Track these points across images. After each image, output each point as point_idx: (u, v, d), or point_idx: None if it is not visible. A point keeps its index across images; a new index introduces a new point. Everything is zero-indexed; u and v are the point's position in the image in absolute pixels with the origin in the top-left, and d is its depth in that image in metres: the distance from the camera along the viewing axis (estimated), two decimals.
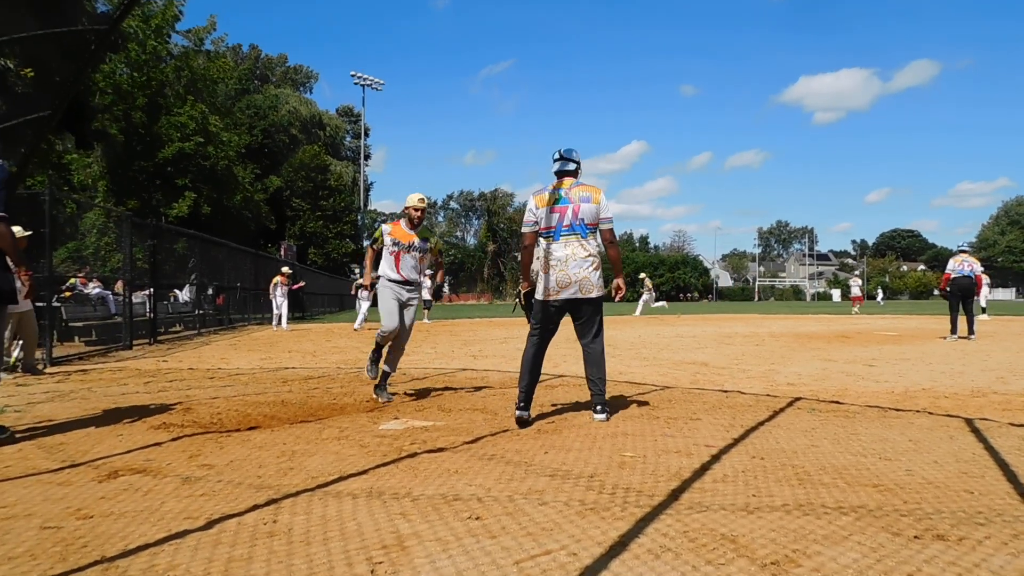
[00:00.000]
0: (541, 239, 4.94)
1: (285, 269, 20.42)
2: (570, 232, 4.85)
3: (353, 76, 59.05)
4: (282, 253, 34.48)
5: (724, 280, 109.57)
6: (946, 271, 13.58)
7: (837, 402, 5.66)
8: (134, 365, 9.43)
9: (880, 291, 60.21)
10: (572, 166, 5.04)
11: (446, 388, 6.75)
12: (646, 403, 5.68)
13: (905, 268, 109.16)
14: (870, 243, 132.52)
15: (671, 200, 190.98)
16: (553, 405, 5.63)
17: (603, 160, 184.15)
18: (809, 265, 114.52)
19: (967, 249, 13.74)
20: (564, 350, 11.36)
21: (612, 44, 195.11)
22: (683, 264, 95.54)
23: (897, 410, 5.26)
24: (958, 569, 2.19)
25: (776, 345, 12.26)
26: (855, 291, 32.30)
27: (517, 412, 4.85)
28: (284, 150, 52.04)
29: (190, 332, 16.77)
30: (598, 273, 4.93)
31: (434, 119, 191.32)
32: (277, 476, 3.42)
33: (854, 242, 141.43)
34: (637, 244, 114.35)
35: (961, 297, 13.22)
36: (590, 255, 4.88)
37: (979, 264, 13.63)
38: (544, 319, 4.97)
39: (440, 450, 4.00)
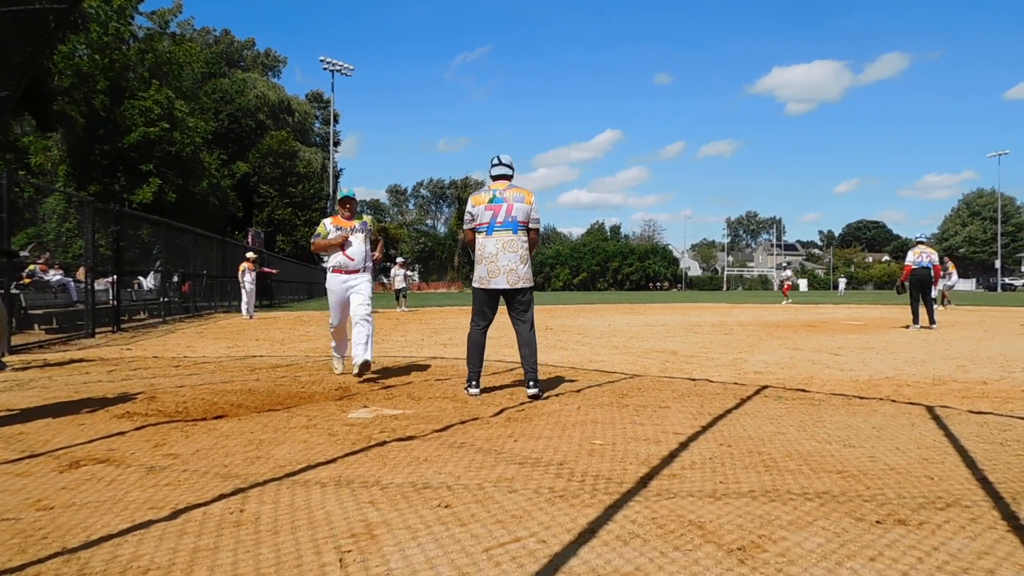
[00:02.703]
0: (477, 234, 5.49)
1: (250, 255, 20.12)
2: (503, 228, 5.40)
3: (322, 61, 58.26)
4: (249, 240, 34.02)
5: (694, 270, 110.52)
6: (907, 263, 13.83)
7: (803, 390, 5.75)
8: (97, 353, 9.25)
9: (842, 281, 61.27)
10: (508, 171, 5.60)
11: (416, 377, 6.72)
12: (616, 391, 5.71)
13: (870, 259, 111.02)
14: (837, 233, 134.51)
15: (643, 189, 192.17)
16: (523, 392, 5.63)
17: (576, 148, 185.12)
18: (777, 255, 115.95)
19: (924, 240, 14.00)
20: None
21: (587, 32, 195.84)
22: (653, 253, 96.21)
23: (861, 398, 5.36)
24: (918, 553, 2.23)
25: (744, 334, 12.41)
26: (784, 281, 33.04)
27: (469, 391, 5.46)
28: (252, 136, 51.24)
29: (155, 320, 16.48)
30: (526, 266, 5.46)
31: (407, 105, 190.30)
32: (244, 465, 3.38)
33: (821, 232, 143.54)
34: (608, 233, 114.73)
35: (920, 288, 13.53)
36: (519, 249, 5.42)
37: (936, 255, 13.89)
38: (480, 305, 5.55)
39: (410, 438, 3.98)
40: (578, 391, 5.71)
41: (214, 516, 2.61)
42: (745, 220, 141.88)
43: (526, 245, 5.47)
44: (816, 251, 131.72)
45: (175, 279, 18.76)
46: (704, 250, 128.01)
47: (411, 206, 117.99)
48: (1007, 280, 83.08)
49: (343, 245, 6.52)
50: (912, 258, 13.69)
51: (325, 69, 58.65)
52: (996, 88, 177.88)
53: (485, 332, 5.59)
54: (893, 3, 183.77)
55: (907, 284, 13.82)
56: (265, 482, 3.07)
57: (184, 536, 2.41)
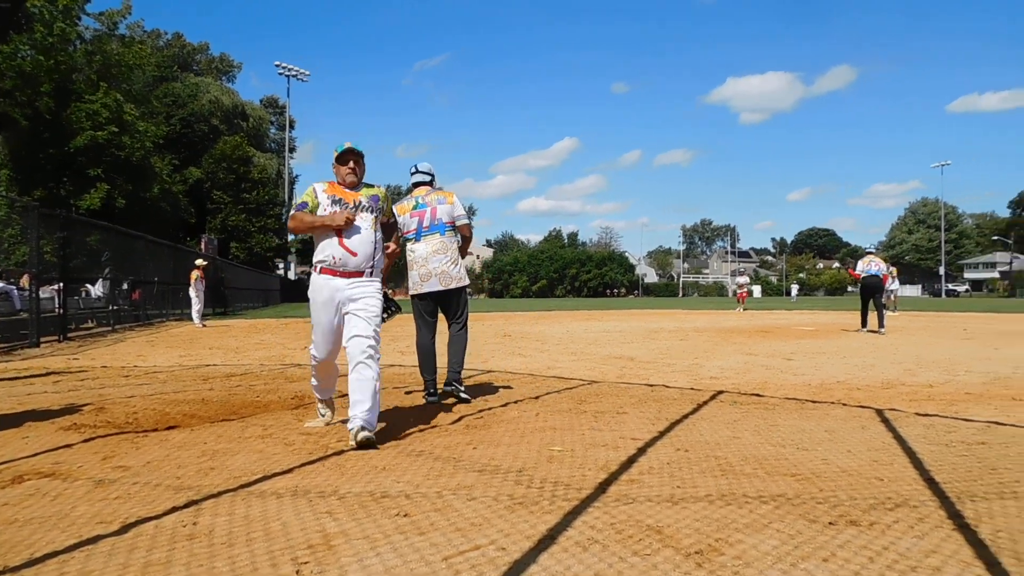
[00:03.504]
0: (407, 242, 5.53)
1: (199, 262, 19.75)
2: (430, 232, 5.45)
3: (278, 66, 57.71)
4: (202, 246, 33.40)
5: (650, 276, 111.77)
6: (856, 271, 14.65)
7: (758, 395, 5.84)
8: (42, 363, 8.97)
9: (794, 287, 62.61)
10: (427, 177, 5.67)
11: None
12: (574, 397, 5.74)
13: (821, 265, 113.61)
14: (789, 241, 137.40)
15: (600, 196, 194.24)
16: (482, 400, 5.62)
17: (534, 156, 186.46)
18: (731, 262, 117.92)
19: (873, 251, 15.14)
20: (492, 346, 11.39)
21: (546, 40, 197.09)
22: (610, 260, 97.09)
23: (814, 402, 5.47)
24: (869, 552, 2.28)
25: (700, 340, 12.58)
26: (739, 288, 33.18)
27: (427, 399, 5.48)
28: (205, 141, 50.38)
29: (104, 328, 16.04)
30: (457, 267, 5.49)
31: (365, 112, 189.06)
32: (198, 476, 3.30)
33: (774, 240, 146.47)
34: (566, 241, 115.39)
35: (870, 294, 14.29)
36: (449, 251, 5.46)
37: (884, 264, 14.99)
38: (418, 311, 5.63)
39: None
40: (537, 398, 5.72)
41: (166, 529, 2.55)
42: (700, 228, 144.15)
43: (455, 245, 5.52)
44: (769, 258, 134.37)
45: (125, 286, 18.30)
46: (660, 257, 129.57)
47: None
48: (950, 286, 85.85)
49: (341, 228, 4.15)
50: (861, 267, 14.47)
51: (281, 74, 58.23)
52: (939, 101, 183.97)
53: (433, 338, 5.63)
54: (842, 17, 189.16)
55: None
56: (219, 493, 3.01)
57: (135, 551, 2.34)
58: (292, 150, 64.30)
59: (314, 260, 4.25)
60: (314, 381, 4.63)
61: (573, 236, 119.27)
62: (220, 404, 5.52)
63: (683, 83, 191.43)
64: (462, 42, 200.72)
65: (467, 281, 5.60)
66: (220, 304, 27.96)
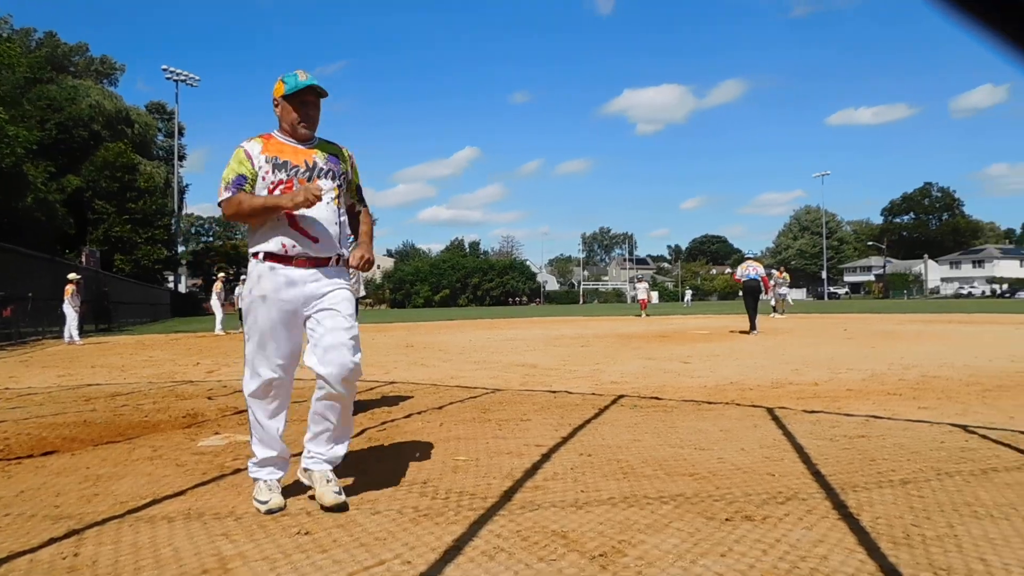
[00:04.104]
0: None
1: (72, 276, 18.65)
2: None
3: (165, 70, 55.29)
4: (83, 260, 31.51)
5: (551, 284, 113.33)
6: (736, 276, 16.11)
7: (657, 398, 6.01)
8: None
9: (688, 293, 64.99)
10: None
11: None
12: (478, 406, 5.73)
13: (714, 271, 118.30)
14: (684, 248, 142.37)
15: (501, 205, 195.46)
16: (385, 412, 5.53)
17: (436, 165, 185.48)
18: (629, 269, 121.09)
19: (751, 257, 16.94)
20: (394, 356, 11.25)
21: (447, 49, 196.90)
22: (512, 269, 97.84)
23: (710, 403, 5.67)
24: (763, 545, 2.38)
25: (601, 346, 12.84)
26: (641, 295, 33.84)
27: None
28: (85, 147, 47.52)
29: None
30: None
31: (260, 119, 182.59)
32: (79, 504, 3.09)
33: (670, 247, 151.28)
34: (468, 250, 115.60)
35: (752, 297, 15.56)
36: None
37: (762, 268, 16.21)
38: None
39: None
40: (440, 408, 5.68)
41: (43, 563, 2.36)
42: (599, 235, 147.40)
43: None
44: (666, 264, 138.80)
45: None
46: (561, 265, 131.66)
47: None
48: (832, 289, 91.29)
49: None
50: (740, 271, 15.79)
51: (169, 79, 55.76)
52: (820, 114, 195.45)
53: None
54: (731, 32, 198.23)
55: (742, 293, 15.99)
56: (104, 521, 2.82)
57: None
58: (182, 158, 61.61)
59: (252, 249, 3.05)
60: (255, 436, 3.08)
61: (475, 245, 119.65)
62: (104, 426, 5.20)
63: (582, 93, 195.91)
64: (359, 50, 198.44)
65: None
66: (104, 320, 26.42)
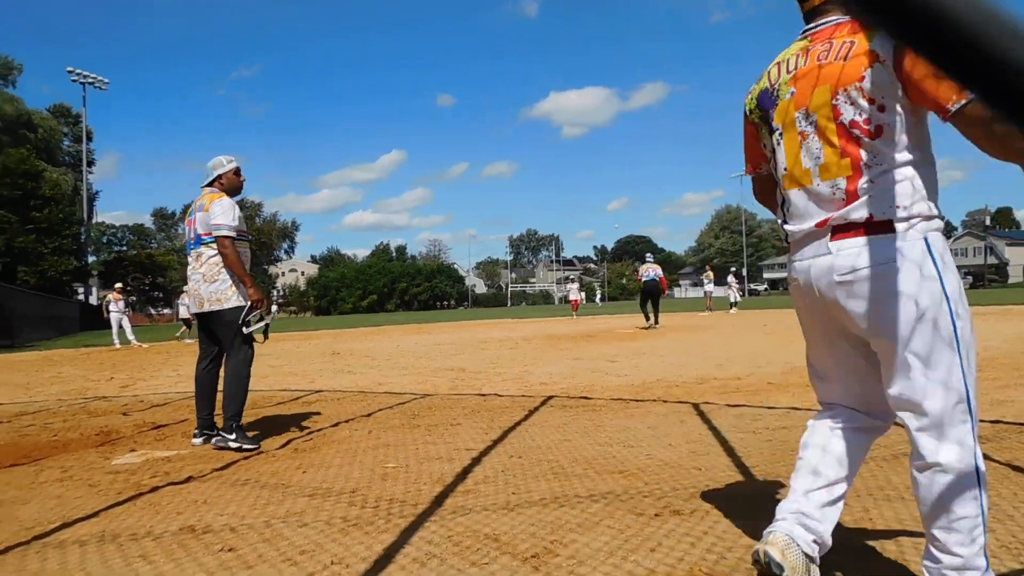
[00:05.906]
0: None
1: None
2: (192, 246, 4.68)
3: (71, 72, 52.78)
4: None
5: (479, 287, 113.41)
6: (638, 275, 18.06)
7: (585, 397, 6.06)
8: None
9: (597, 292, 66.23)
10: (210, 174, 4.77)
11: (191, 414, 6.19)
12: (407, 412, 5.66)
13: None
14: (610, 248, 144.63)
15: (427, 209, 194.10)
16: (311, 421, 5.41)
17: (361, 169, 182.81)
18: (556, 271, 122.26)
19: (651, 259, 18.76)
20: (319, 364, 11.03)
21: (371, 51, 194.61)
22: (440, 273, 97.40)
23: (637, 400, 5.75)
24: (691, 539, 2.42)
25: (529, 348, 12.90)
26: (573, 296, 34.18)
27: (193, 441, 4.70)
28: None
29: None
30: (211, 286, 4.55)
31: (176, 123, 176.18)
32: None
33: (596, 248, 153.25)
34: (394, 254, 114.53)
35: (649, 295, 17.47)
36: (202, 267, 4.60)
37: (660, 269, 18.24)
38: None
39: (186, 480, 3.65)
40: (368, 415, 5.59)
41: None
42: (526, 238, 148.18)
43: (212, 261, 4.57)
44: (592, 265, 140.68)
45: None
46: (489, 268, 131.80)
47: (181, 231, 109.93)
48: (752, 286, 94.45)
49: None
50: (642, 271, 17.77)
51: (75, 81, 53.23)
52: (737, 114, 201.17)
53: (207, 368, 4.79)
54: (651, 36, 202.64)
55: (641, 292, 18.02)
56: (6, 549, 2.65)
57: None
58: (91, 164, 58.88)
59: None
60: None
61: (401, 250, 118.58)
62: (7, 448, 4.90)
63: (508, 96, 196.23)
64: (277, 51, 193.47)
65: (227, 304, 4.54)
66: (4, 336, 24.99)
